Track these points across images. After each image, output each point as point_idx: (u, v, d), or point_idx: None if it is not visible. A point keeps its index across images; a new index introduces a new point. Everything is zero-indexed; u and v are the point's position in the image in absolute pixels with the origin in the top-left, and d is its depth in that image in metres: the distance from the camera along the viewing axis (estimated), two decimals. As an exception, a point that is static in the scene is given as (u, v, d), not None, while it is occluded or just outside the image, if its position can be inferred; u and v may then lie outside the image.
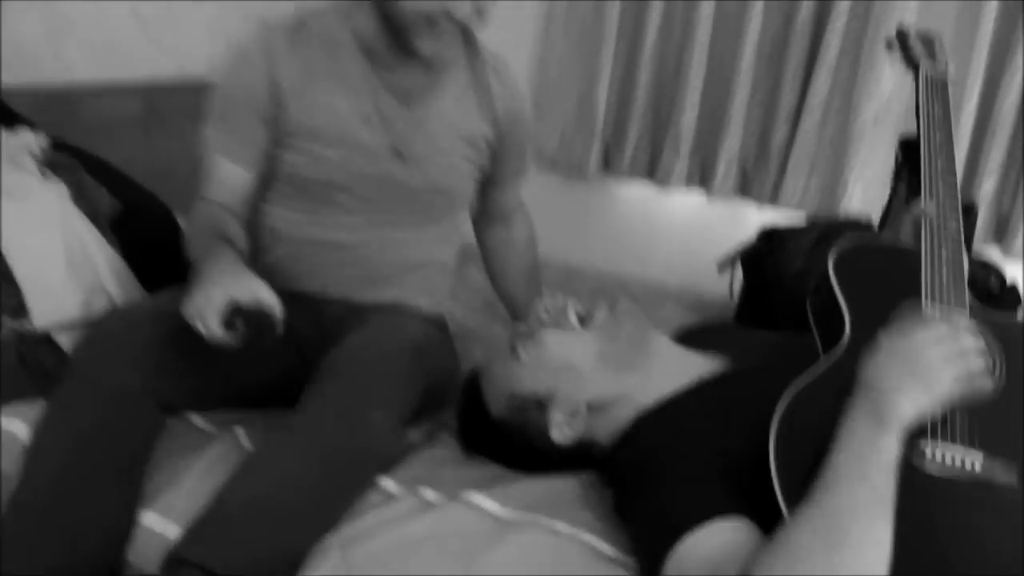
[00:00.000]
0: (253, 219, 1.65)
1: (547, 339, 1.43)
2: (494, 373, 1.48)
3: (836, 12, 2.53)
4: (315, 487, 1.31)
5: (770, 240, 2.10)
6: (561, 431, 1.40)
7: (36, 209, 1.61)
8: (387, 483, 1.43)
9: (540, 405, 1.42)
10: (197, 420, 1.55)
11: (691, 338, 1.56)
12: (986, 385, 1.16)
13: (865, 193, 2.56)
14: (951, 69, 1.59)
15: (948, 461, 1.12)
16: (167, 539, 1.33)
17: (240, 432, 1.53)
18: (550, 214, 2.88)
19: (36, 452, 1.32)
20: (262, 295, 1.31)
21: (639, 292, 2.32)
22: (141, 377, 1.35)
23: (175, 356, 1.39)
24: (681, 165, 2.75)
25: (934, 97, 1.52)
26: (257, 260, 1.64)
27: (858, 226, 2.10)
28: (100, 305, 1.62)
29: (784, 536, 1.05)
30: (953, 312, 1.24)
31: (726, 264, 2.17)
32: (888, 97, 2.54)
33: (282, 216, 1.64)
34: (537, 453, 1.44)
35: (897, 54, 1.66)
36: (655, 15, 2.73)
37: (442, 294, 1.81)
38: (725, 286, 2.20)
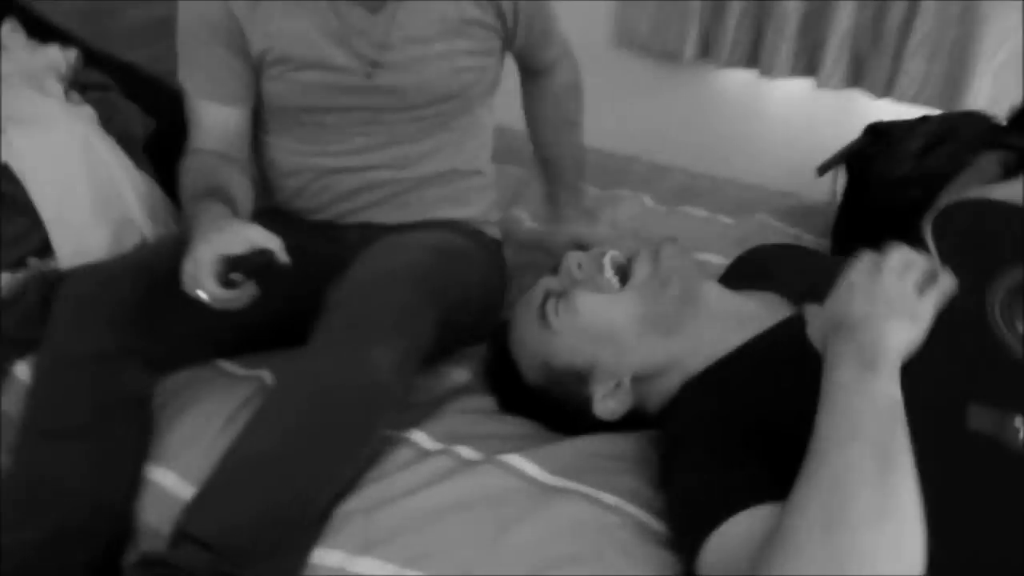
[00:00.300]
0: (258, 155, 1.53)
1: (582, 303, 1.25)
2: (524, 340, 1.31)
3: None
4: (313, 439, 1.19)
5: (877, 138, 1.87)
6: (605, 406, 1.26)
7: (59, 139, 1.51)
8: (420, 437, 1.31)
9: (580, 378, 1.26)
10: (225, 364, 1.45)
11: (753, 270, 1.38)
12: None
13: (996, 82, 2.26)
14: None
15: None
16: (184, 501, 1.25)
17: (266, 376, 1.43)
18: (640, 104, 2.71)
19: (23, 425, 1.25)
20: (252, 236, 1.18)
21: (732, 194, 2.11)
22: (117, 340, 1.26)
23: (163, 311, 1.29)
24: (786, 49, 2.48)
25: None
26: (272, 197, 1.55)
27: (979, 122, 1.84)
28: (130, 240, 1.53)
29: (783, 525, 0.90)
30: None
31: (829, 165, 1.94)
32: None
33: (282, 147, 1.53)
34: (581, 420, 1.29)
35: None
36: None
37: (479, 203, 1.66)
38: (827, 190, 1.98)
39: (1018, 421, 0.96)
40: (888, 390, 0.92)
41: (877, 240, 1.60)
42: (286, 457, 1.17)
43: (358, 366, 1.21)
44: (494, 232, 1.70)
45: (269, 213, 1.56)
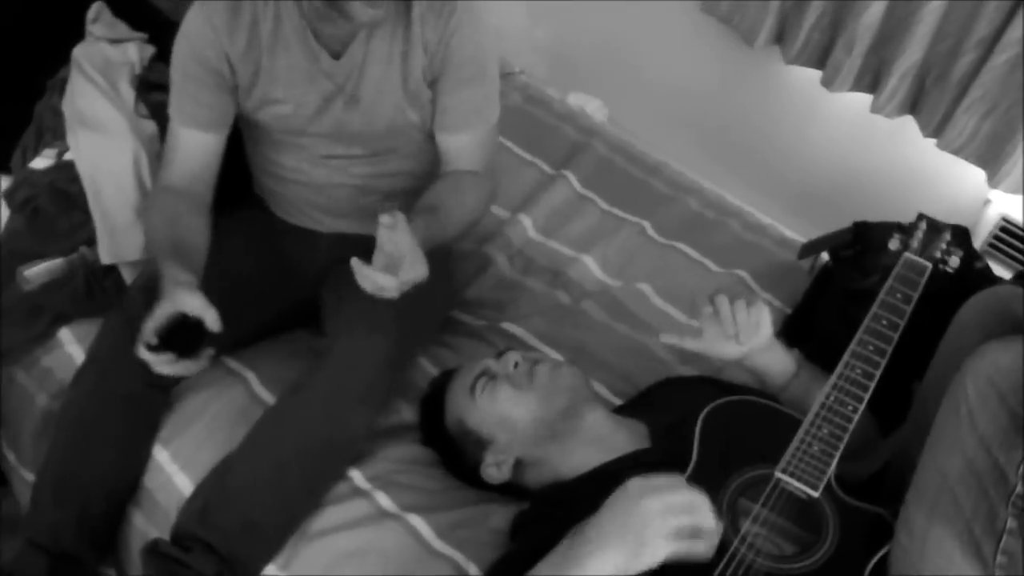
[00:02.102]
0: (248, 153, 1.79)
1: (500, 392, 1.55)
2: (454, 396, 1.62)
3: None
4: (299, 475, 1.56)
5: (856, 238, 1.96)
6: (489, 472, 1.57)
7: (118, 149, 1.77)
8: (356, 476, 1.64)
9: (479, 443, 1.57)
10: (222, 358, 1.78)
11: (649, 399, 1.67)
12: (707, 554, 1.13)
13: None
14: (952, 262, 1.66)
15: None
16: (174, 482, 1.64)
17: (252, 378, 1.77)
18: (702, 73, 2.78)
19: (56, 425, 1.63)
20: (185, 305, 1.42)
21: (729, 236, 2.24)
22: (143, 378, 1.56)
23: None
24: (852, 64, 2.49)
25: (903, 281, 1.60)
26: (261, 189, 1.84)
27: (953, 234, 1.91)
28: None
29: None
30: (802, 485, 1.31)
31: (810, 250, 2.06)
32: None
33: (263, 156, 1.78)
34: (471, 473, 1.60)
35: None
36: None
37: None
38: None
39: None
40: None
41: (823, 340, 1.80)
42: (279, 486, 1.54)
43: (339, 427, 1.58)
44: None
45: (254, 212, 1.86)
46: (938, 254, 1.69)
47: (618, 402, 1.77)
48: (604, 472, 1.46)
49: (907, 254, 1.68)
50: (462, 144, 1.70)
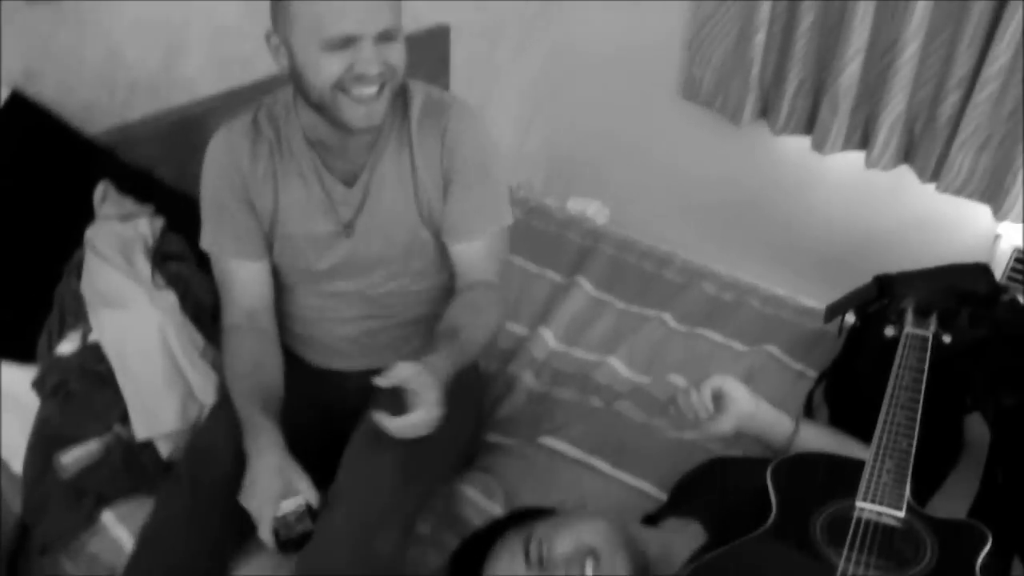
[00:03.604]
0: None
1: None
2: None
3: (1028, -34, 2.17)
4: None
5: (881, 291, 1.95)
6: None
7: (140, 323, 1.77)
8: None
9: None
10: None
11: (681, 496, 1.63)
12: None
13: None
14: (945, 339, 1.73)
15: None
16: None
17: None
18: (694, 156, 2.81)
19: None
20: (303, 495, 1.49)
21: (751, 314, 2.24)
22: (208, 552, 1.54)
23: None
24: (840, 124, 2.53)
25: (912, 348, 1.68)
26: (288, 335, 1.80)
27: (979, 278, 1.92)
28: (193, 414, 1.80)
29: None
30: (886, 508, 1.34)
31: (835, 311, 2.05)
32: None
33: (284, 300, 1.77)
34: None
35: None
36: (820, -45, 2.44)
37: None
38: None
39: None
40: None
41: (868, 397, 1.78)
42: None
43: (364, 558, 1.50)
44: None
45: (288, 360, 1.82)
46: (932, 330, 1.75)
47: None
48: None
49: (907, 329, 1.74)
50: (474, 251, 1.68)
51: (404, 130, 1.63)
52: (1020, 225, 2.38)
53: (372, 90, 1.48)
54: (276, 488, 1.49)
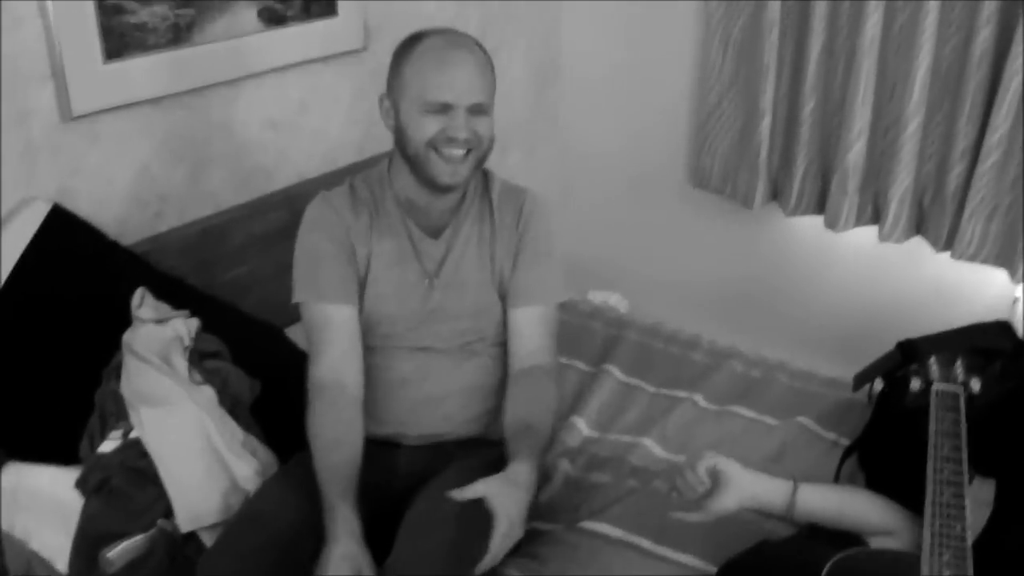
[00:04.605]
0: None
1: None
2: None
3: (1018, 37, 2.25)
4: None
5: (906, 357, 1.96)
6: None
7: (180, 419, 1.80)
8: None
9: None
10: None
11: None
12: None
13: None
14: (974, 386, 1.71)
15: None
16: None
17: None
18: (710, 243, 2.86)
19: None
20: None
21: (780, 390, 2.25)
22: None
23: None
24: (851, 202, 2.59)
25: (944, 408, 1.64)
26: None
27: (994, 332, 1.94)
28: (236, 502, 1.82)
29: None
30: None
31: (863, 379, 2.06)
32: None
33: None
34: None
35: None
36: (816, 41, 2.54)
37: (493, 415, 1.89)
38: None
39: None
40: None
41: (897, 469, 1.77)
42: None
43: None
44: None
45: None
46: (960, 377, 1.74)
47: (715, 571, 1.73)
48: None
49: (935, 385, 1.72)
50: (531, 318, 1.84)
51: (485, 201, 1.85)
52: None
53: (460, 152, 1.70)
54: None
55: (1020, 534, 1.56)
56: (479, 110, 1.70)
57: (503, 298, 1.84)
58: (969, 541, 1.40)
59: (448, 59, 1.68)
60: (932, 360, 1.78)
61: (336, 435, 1.69)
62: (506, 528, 1.55)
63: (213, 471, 1.83)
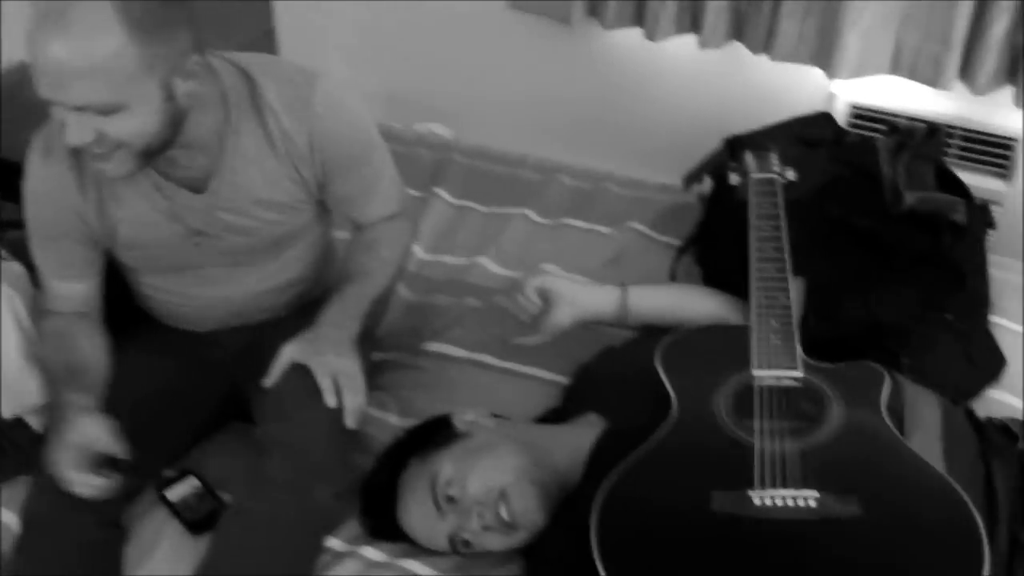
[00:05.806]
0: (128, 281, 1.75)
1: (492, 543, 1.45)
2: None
3: None
4: (280, 561, 1.47)
5: (735, 152, 1.99)
6: None
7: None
8: (335, 543, 1.55)
9: None
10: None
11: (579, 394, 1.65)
12: None
13: (864, 42, 2.35)
14: (789, 175, 1.77)
15: (779, 503, 1.19)
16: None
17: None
18: (531, 63, 2.81)
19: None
20: (92, 441, 1.45)
21: (611, 200, 2.27)
22: (94, 521, 1.49)
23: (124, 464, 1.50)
24: (668, 11, 2.55)
25: (762, 195, 1.70)
26: (148, 309, 1.78)
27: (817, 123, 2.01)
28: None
29: None
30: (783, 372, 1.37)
31: (692, 178, 2.09)
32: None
33: (144, 284, 1.73)
34: None
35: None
36: None
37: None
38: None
39: (750, 493, 1.21)
40: None
41: (728, 262, 1.81)
42: None
43: (304, 506, 1.48)
44: None
45: (151, 322, 1.79)
46: (776, 168, 1.79)
47: (565, 381, 1.75)
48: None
49: (752, 175, 1.77)
50: (370, 210, 1.74)
51: (264, 122, 1.56)
52: (851, 83, 2.46)
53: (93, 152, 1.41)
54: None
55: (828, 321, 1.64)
56: (96, 110, 1.35)
57: (310, 204, 1.67)
58: (794, 312, 1.45)
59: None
60: (747, 154, 1.82)
61: (64, 339, 1.63)
62: (328, 372, 1.51)
63: (31, 353, 1.72)
